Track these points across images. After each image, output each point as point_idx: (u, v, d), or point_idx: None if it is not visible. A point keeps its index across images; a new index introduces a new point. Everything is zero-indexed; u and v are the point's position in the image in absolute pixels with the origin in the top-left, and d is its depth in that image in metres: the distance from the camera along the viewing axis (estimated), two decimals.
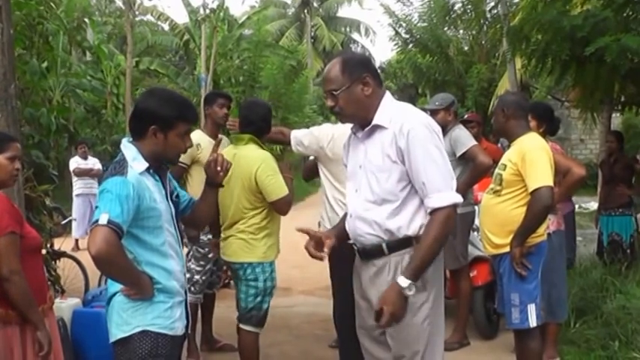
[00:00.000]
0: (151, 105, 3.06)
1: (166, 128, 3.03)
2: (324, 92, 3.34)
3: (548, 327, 5.37)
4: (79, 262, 7.65)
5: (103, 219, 2.77)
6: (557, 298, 5.50)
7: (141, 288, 2.98)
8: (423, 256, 3.11)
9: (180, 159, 5.14)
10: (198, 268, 5.74)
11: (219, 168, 3.37)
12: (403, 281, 3.07)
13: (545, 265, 4.78)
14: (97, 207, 2.87)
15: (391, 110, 3.24)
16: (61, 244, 7.54)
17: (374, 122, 3.23)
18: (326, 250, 3.33)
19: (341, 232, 3.46)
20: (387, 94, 3.31)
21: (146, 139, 3.04)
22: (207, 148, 5.58)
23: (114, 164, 3.02)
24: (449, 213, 3.13)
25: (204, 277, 5.76)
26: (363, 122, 3.30)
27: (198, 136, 5.57)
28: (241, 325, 4.77)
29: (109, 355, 5.51)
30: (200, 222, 3.65)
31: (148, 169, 3.03)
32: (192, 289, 5.74)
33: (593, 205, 13.36)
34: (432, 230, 3.12)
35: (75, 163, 13.34)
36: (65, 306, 5.54)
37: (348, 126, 3.52)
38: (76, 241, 12.50)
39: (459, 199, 3.19)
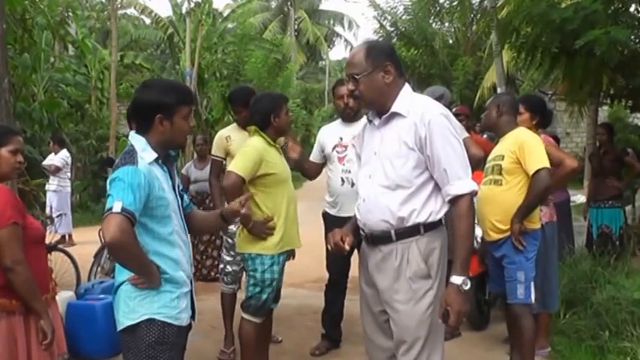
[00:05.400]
0: (152, 96, 3.13)
1: (171, 114, 3.11)
2: (346, 75, 3.43)
3: (540, 317, 5.46)
4: (70, 256, 7.63)
5: (117, 207, 2.82)
6: (549, 288, 5.58)
7: (150, 276, 3.02)
8: (463, 248, 3.19)
9: (215, 152, 5.68)
10: (229, 259, 5.78)
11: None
12: (457, 279, 3.14)
13: (539, 255, 5.05)
14: (108, 195, 2.91)
15: (410, 100, 3.33)
16: (51, 238, 7.51)
17: (392, 110, 3.31)
18: (347, 246, 3.39)
19: (356, 228, 3.53)
20: (407, 85, 3.39)
21: (153, 129, 3.11)
22: (237, 140, 5.63)
23: (123, 155, 3.07)
24: (470, 200, 3.23)
25: (235, 268, 5.78)
26: (380, 109, 3.38)
27: (230, 129, 5.91)
28: (242, 313, 4.85)
29: (104, 347, 5.60)
30: (194, 230, 3.69)
31: (156, 160, 3.09)
32: (225, 279, 5.84)
33: (580, 198, 13.45)
34: (462, 221, 3.21)
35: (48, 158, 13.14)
36: (59, 299, 5.51)
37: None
38: (70, 236, 12.50)
39: (476, 186, 3.30)
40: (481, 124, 6.08)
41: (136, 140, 3.11)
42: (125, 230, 2.81)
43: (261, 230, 4.69)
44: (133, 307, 3.05)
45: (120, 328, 3.11)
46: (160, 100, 3.11)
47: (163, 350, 3.08)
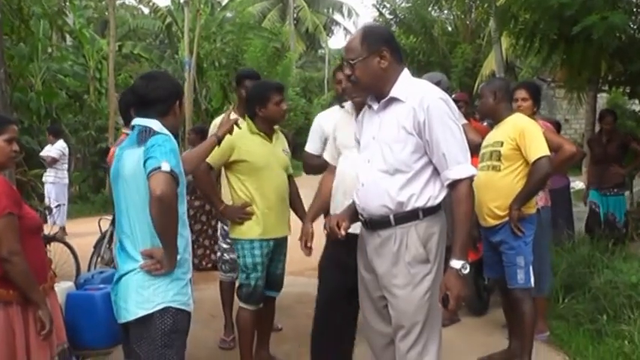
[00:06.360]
0: (170, 84, 3.33)
1: (181, 100, 3.31)
2: (344, 61, 3.45)
3: (536, 302, 5.46)
4: (69, 246, 7.64)
5: (166, 166, 2.90)
6: (542, 272, 5.58)
7: (173, 251, 3.06)
8: (462, 232, 3.20)
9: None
10: (226, 246, 5.79)
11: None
12: (456, 263, 3.15)
13: (535, 240, 5.07)
14: (149, 158, 2.96)
15: (409, 85, 3.32)
16: (50, 229, 7.52)
17: (391, 95, 3.31)
18: (342, 231, 3.38)
19: (353, 214, 3.53)
20: (406, 70, 3.38)
21: (170, 114, 3.26)
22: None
23: (142, 132, 3.15)
24: (469, 184, 3.23)
25: (232, 256, 5.67)
26: (378, 94, 3.38)
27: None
28: (238, 301, 4.89)
29: (104, 337, 5.56)
30: (193, 165, 4.13)
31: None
32: (224, 267, 5.87)
33: (579, 184, 13.46)
34: (461, 206, 3.21)
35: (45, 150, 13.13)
36: (58, 289, 5.51)
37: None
38: (63, 228, 12.45)
39: (475, 171, 3.29)
40: (478, 110, 6.07)
41: (150, 122, 3.18)
42: (173, 190, 2.89)
43: (235, 214, 4.75)
44: (147, 297, 3.09)
45: (131, 318, 3.14)
46: (178, 87, 3.38)
47: (177, 338, 3.15)
